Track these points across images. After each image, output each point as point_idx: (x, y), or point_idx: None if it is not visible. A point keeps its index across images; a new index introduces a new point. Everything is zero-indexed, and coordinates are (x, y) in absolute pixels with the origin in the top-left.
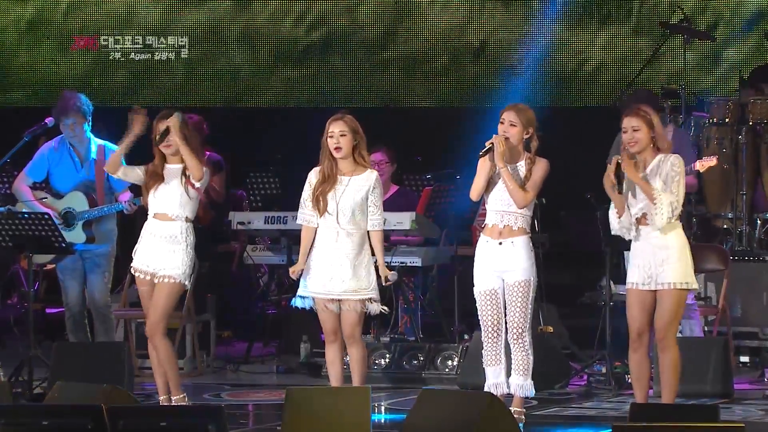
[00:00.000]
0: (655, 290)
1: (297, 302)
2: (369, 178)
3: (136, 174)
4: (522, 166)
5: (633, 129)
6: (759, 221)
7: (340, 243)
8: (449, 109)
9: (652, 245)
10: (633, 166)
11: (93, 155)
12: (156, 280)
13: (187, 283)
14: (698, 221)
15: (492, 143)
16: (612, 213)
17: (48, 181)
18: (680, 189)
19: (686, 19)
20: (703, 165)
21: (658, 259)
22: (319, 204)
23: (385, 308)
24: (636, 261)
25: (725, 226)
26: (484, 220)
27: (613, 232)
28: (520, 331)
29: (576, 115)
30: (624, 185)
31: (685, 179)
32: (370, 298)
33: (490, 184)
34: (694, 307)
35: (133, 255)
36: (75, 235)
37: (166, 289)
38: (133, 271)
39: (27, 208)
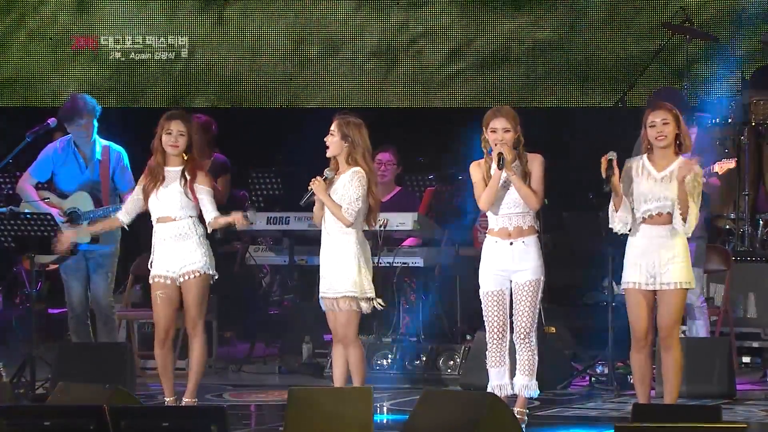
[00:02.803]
0: (655, 290)
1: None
2: (347, 174)
3: (138, 203)
4: (517, 166)
5: (663, 122)
6: (761, 222)
7: (328, 243)
8: (451, 110)
9: (658, 245)
10: (616, 167)
11: (98, 156)
12: (180, 281)
13: (212, 272)
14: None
15: (501, 153)
16: (611, 205)
17: (52, 181)
18: (700, 201)
19: (688, 19)
20: (722, 167)
21: (663, 258)
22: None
23: (381, 303)
24: (636, 260)
25: (728, 227)
26: (486, 221)
27: (610, 225)
28: (527, 330)
29: (577, 115)
30: (618, 183)
31: (702, 187)
32: (356, 297)
33: None
34: (704, 309)
35: (149, 267)
36: (80, 236)
37: (193, 285)
38: (151, 279)
39: (31, 208)
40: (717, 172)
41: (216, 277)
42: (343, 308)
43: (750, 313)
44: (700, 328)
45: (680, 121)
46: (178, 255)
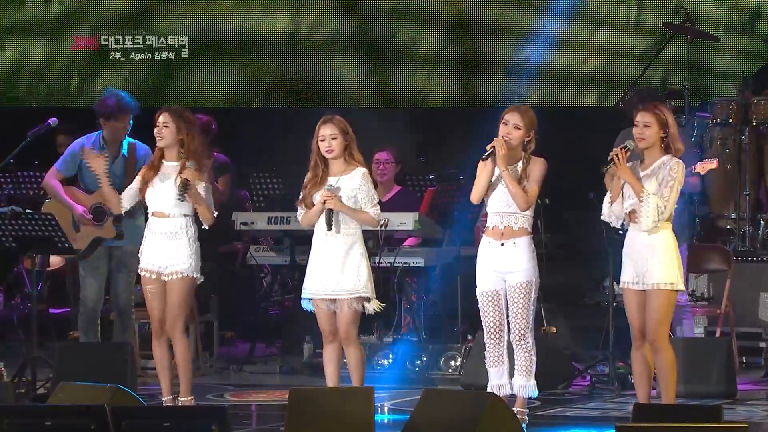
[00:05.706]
0: (644, 290)
1: (303, 305)
2: (354, 177)
3: (135, 192)
4: (518, 167)
5: (644, 125)
6: (762, 222)
7: (329, 243)
8: (452, 110)
9: (639, 243)
10: (625, 162)
11: (124, 152)
12: (165, 278)
13: (196, 275)
14: (701, 222)
15: (493, 146)
16: (606, 197)
17: (77, 177)
18: (672, 194)
19: (689, 19)
20: (703, 167)
21: (644, 257)
22: (309, 205)
23: (381, 304)
24: (627, 260)
25: (728, 227)
26: (486, 221)
27: (602, 217)
28: (522, 332)
29: (578, 115)
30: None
31: (680, 185)
32: (361, 297)
33: (490, 187)
34: (687, 309)
35: (139, 255)
36: (105, 231)
37: (177, 285)
38: (140, 271)
39: (57, 205)
40: (699, 173)
41: (201, 280)
42: (351, 308)
43: (761, 314)
44: (685, 330)
45: (668, 125)
46: (165, 253)
